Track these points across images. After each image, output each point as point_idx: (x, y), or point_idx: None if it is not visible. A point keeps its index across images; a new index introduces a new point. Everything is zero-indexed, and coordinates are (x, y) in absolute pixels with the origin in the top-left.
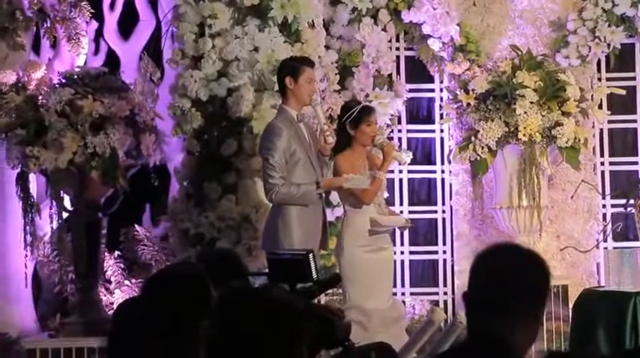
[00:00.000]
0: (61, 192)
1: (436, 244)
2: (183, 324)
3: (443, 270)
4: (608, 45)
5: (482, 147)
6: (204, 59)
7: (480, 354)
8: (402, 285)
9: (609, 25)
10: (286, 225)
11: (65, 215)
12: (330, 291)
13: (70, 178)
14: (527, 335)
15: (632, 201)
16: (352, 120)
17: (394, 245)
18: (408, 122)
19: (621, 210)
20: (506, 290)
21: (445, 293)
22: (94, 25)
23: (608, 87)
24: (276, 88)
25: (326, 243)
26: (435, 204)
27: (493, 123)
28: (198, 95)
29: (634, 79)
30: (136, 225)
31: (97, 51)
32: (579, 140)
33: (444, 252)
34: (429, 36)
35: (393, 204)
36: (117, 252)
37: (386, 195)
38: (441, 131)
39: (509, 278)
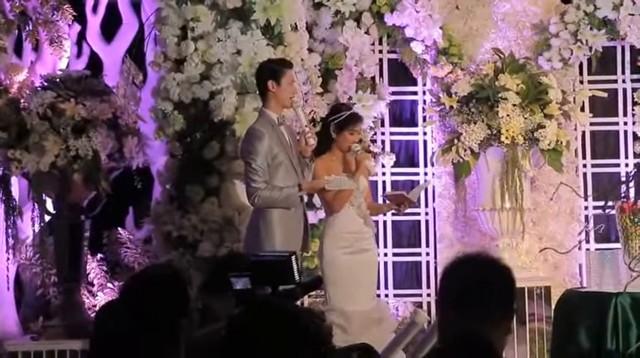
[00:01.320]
0: (44, 195)
1: (419, 246)
2: (163, 324)
3: (426, 272)
4: (590, 48)
5: (465, 150)
6: (186, 62)
7: (463, 354)
8: (386, 287)
9: (591, 29)
10: (268, 227)
11: (47, 218)
12: (313, 293)
13: (53, 181)
14: (501, 336)
15: (612, 203)
16: (337, 124)
17: (377, 246)
18: (391, 125)
19: (608, 211)
20: (479, 294)
21: (428, 295)
22: (77, 27)
23: (590, 89)
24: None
25: (307, 246)
26: (418, 206)
27: (476, 126)
28: (181, 98)
29: (615, 81)
30: (119, 228)
31: (79, 54)
32: (561, 142)
33: (427, 254)
34: (412, 39)
35: None
36: (100, 255)
37: None
38: (424, 134)
39: (481, 282)
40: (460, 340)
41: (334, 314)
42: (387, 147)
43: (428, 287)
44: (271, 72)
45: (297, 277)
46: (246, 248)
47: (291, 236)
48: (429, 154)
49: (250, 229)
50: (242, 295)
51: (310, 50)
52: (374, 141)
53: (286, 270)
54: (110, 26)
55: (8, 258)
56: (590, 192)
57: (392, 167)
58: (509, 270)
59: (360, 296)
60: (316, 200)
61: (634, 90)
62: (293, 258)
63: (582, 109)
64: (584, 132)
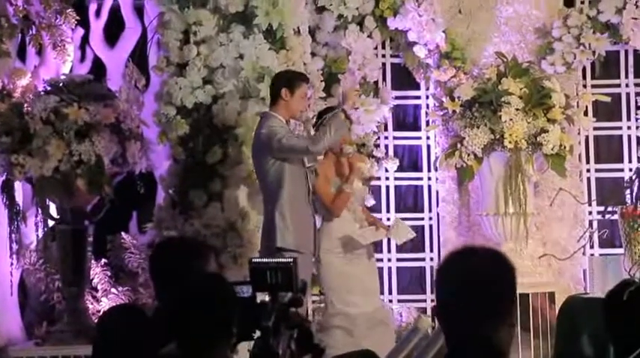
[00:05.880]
0: (47, 199)
1: (423, 251)
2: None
3: (430, 277)
4: (593, 52)
5: (468, 154)
6: (189, 66)
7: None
8: (390, 292)
9: (594, 32)
10: (284, 220)
11: (51, 223)
12: (317, 298)
13: (56, 186)
14: (507, 335)
15: (613, 209)
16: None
17: (381, 251)
18: (395, 129)
19: (607, 216)
20: (483, 293)
21: (432, 301)
22: (80, 32)
23: (593, 94)
24: (261, 95)
25: (316, 249)
26: (422, 211)
27: (479, 130)
28: (184, 102)
29: (619, 85)
30: (123, 233)
31: (82, 58)
32: (565, 147)
33: (431, 259)
34: (415, 43)
35: (380, 211)
36: (103, 260)
37: (373, 202)
38: (427, 138)
39: (483, 280)
40: (464, 342)
41: (338, 317)
42: (391, 152)
43: (432, 292)
44: (287, 80)
45: (299, 285)
46: (263, 241)
47: (304, 235)
48: (432, 159)
49: (266, 222)
50: (244, 303)
51: (313, 54)
52: (377, 146)
53: (290, 277)
54: (113, 30)
55: (12, 263)
56: (593, 196)
57: (395, 171)
58: (504, 258)
59: (360, 299)
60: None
61: (637, 94)
62: (294, 265)
63: (585, 114)
64: (587, 137)
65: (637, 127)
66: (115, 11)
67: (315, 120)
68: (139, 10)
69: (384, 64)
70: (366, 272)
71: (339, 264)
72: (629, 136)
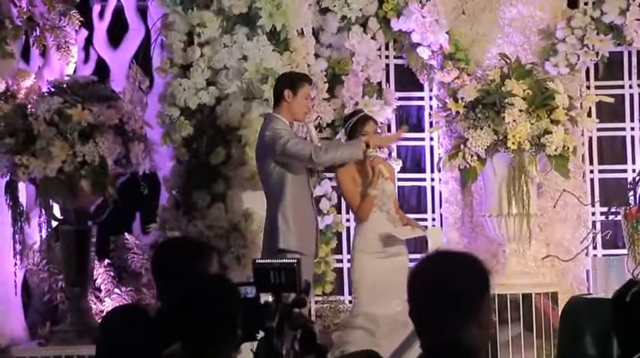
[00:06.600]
0: (51, 200)
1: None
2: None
3: None
4: (597, 53)
5: (472, 156)
6: (192, 68)
7: None
8: None
9: (598, 34)
10: (286, 222)
11: (55, 223)
12: (320, 298)
13: (60, 187)
14: (478, 337)
15: (617, 210)
16: (347, 131)
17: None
18: (398, 130)
19: (611, 217)
20: (452, 295)
21: None
22: (84, 33)
23: (596, 95)
24: (265, 96)
25: (318, 251)
26: (425, 212)
27: (482, 132)
28: (187, 104)
29: (622, 87)
30: (126, 234)
31: (86, 59)
32: (568, 148)
33: None
34: (419, 44)
35: None
36: (107, 260)
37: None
38: (431, 139)
39: (453, 283)
40: (437, 345)
41: (361, 318)
42: (394, 153)
43: None
44: (290, 82)
45: (302, 285)
46: (265, 243)
47: (306, 237)
48: (436, 160)
49: (269, 224)
50: (248, 303)
51: (317, 55)
52: (381, 147)
53: (293, 278)
54: (117, 32)
55: (16, 264)
56: (597, 197)
57: (399, 172)
58: (475, 261)
59: (386, 300)
60: (323, 205)
61: None
62: (298, 266)
63: (589, 115)
64: (590, 138)
65: None
66: (119, 13)
67: (343, 123)
68: (143, 12)
69: (387, 65)
70: (396, 275)
71: (371, 264)
72: (633, 137)
